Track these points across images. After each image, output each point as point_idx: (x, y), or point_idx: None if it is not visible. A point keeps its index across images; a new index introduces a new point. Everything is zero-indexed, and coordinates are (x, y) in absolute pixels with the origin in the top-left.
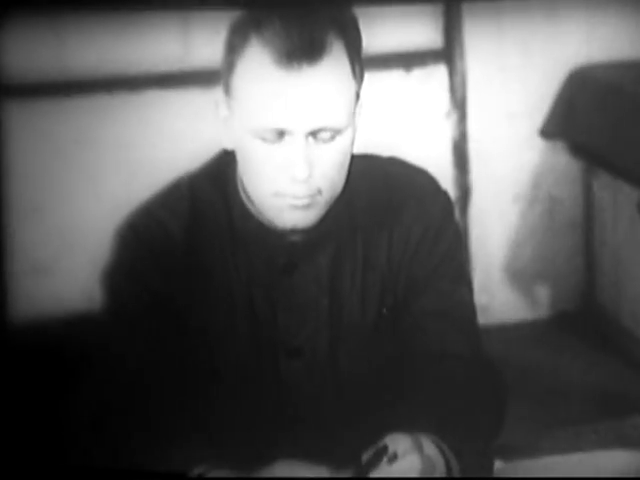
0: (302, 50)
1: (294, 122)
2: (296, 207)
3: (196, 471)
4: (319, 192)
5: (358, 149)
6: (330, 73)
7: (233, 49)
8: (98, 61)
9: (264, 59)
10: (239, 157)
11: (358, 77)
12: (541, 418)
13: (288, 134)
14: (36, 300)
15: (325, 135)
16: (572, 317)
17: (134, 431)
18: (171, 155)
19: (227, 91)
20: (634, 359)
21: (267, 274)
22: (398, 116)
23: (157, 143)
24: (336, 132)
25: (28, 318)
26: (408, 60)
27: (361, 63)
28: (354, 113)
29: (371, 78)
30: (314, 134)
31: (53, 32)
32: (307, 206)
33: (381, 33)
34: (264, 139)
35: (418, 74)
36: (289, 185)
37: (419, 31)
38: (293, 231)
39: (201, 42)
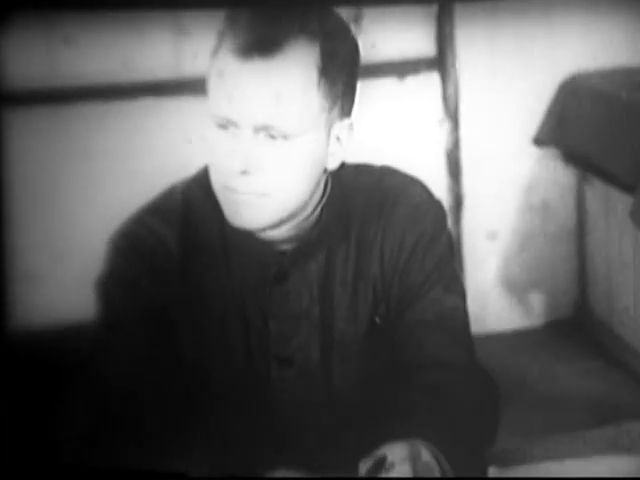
0: (255, 44)
1: (239, 113)
2: (242, 204)
3: (192, 475)
4: (264, 194)
5: (351, 157)
6: (280, 73)
7: (215, 44)
8: (91, 70)
9: (228, 51)
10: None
11: (326, 92)
12: (535, 425)
13: (236, 126)
14: (29, 308)
15: (273, 135)
16: (565, 325)
17: (128, 439)
18: (164, 163)
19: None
20: (627, 366)
21: (259, 283)
22: (391, 124)
23: (151, 151)
24: (284, 135)
25: (21, 326)
26: (401, 68)
27: (340, 83)
28: (316, 124)
29: (364, 86)
30: (260, 131)
31: (46, 41)
32: (253, 205)
33: (374, 41)
34: (220, 128)
35: (411, 82)
36: (232, 177)
37: (412, 39)
38: (282, 240)
39: (194, 50)
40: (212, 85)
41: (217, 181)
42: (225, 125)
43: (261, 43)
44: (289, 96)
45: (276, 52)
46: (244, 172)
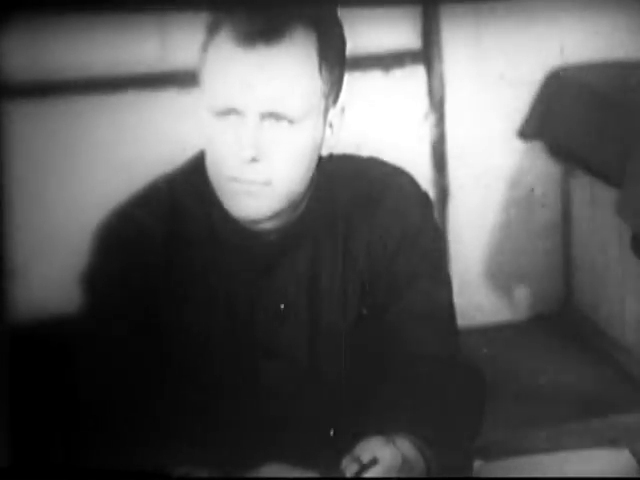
0: (259, 31)
1: (245, 101)
2: (246, 193)
3: (179, 471)
4: (269, 182)
5: (337, 149)
6: (285, 59)
7: (207, 34)
8: (75, 63)
9: (227, 40)
10: (202, 139)
11: (325, 77)
12: (520, 418)
13: (241, 114)
14: (14, 302)
15: (279, 121)
16: (550, 318)
17: (115, 431)
18: (150, 156)
19: (200, 75)
20: (611, 360)
21: (246, 274)
22: (377, 117)
23: (135, 144)
24: (289, 121)
25: (6, 320)
26: (386, 61)
27: (337, 69)
28: (317, 110)
29: (350, 79)
30: (266, 118)
31: (31, 35)
32: (257, 194)
33: (359, 34)
34: (220, 118)
35: (396, 75)
36: (238, 166)
37: (397, 32)
38: (270, 231)
39: (178, 43)
40: (210, 75)
41: (220, 172)
42: (227, 114)
43: (264, 31)
44: (295, 82)
45: (279, 39)
46: (253, 159)
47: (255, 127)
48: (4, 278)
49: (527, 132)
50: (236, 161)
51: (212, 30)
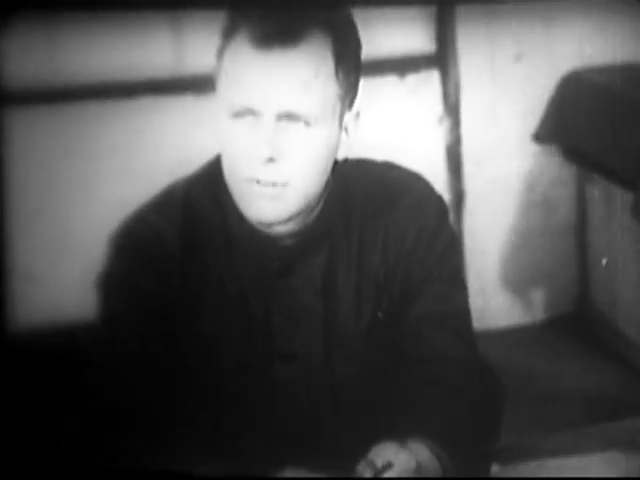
0: (276, 33)
1: (261, 101)
2: (263, 195)
3: (198, 471)
4: (286, 183)
5: (353, 154)
6: (302, 61)
7: (224, 38)
8: (90, 68)
9: (244, 43)
10: (219, 142)
11: (341, 81)
12: (537, 421)
13: (258, 114)
14: (29, 307)
15: (295, 122)
16: (567, 321)
17: (131, 433)
18: (165, 161)
19: (217, 77)
20: (629, 362)
21: (261, 278)
22: (392, 122)
23: (151, 150)
24: (306, 122)
25: (23, 325)
26: (401, 66)
27: (353, 73)
28: (333, 113)
29: (365, 84)
30: (283, 118)
31: (45, 39)
32: (274, 197)
33: (374, 39)
34: (236, 119)
35: (411, 80)
36: (255, 167)
37: (412, 37)
38: (285, 235)
39: (194, 48)
40: (227, 77)
41: (237, 173)
42: (243, 115)
43: (281, 33)
44: (311, 84)
45: (296, 42)
46: (270, 159)
47: (272, 127)
48: (16, 284)
49: (542, 135)
50: (253, 161)
51: (228, 34)
